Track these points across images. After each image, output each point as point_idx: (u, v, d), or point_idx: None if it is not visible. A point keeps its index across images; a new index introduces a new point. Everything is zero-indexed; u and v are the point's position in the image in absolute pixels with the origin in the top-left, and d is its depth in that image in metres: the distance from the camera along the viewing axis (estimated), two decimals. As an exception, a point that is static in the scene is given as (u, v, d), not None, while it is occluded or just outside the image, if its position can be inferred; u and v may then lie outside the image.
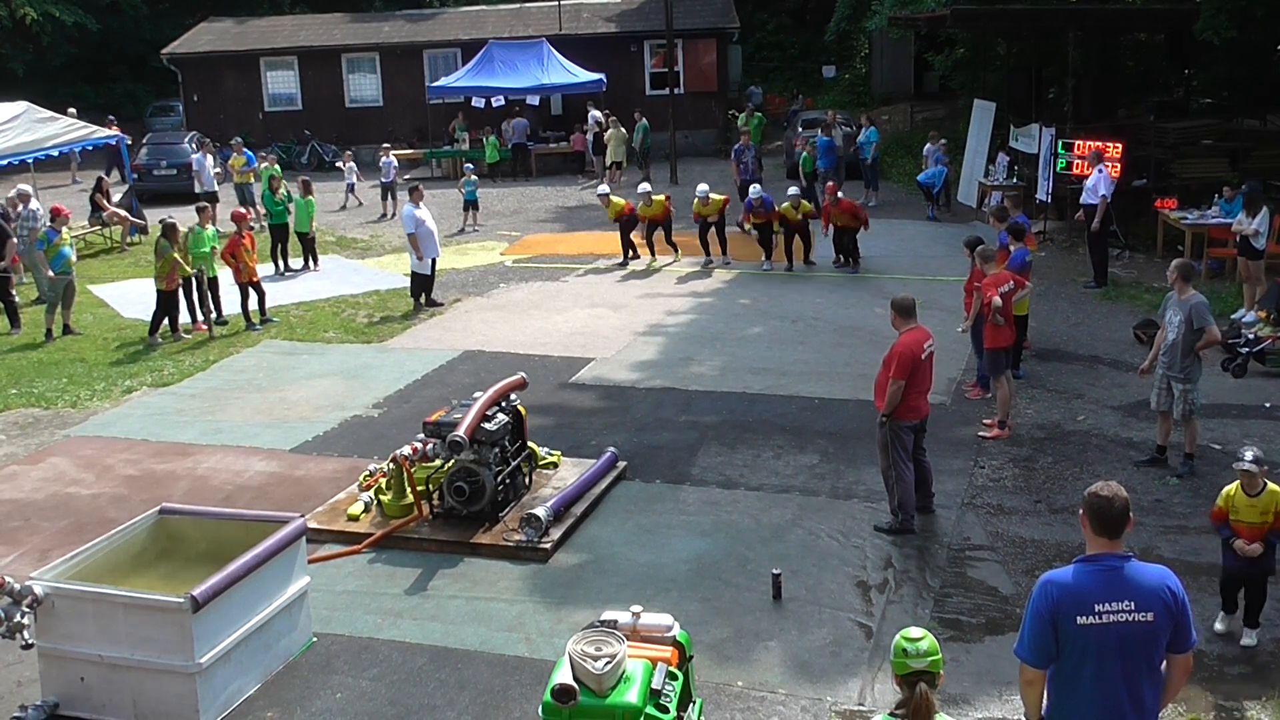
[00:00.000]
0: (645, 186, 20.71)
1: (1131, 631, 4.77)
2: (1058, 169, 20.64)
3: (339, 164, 27.68)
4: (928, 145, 24.61)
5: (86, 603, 7.14)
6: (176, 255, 16.24)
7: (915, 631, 4.94)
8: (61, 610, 7.14)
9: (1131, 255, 19.44)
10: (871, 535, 9.51)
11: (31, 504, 10.83)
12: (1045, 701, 5.02)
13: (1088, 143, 19.63)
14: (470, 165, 26.68)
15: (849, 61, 43.65)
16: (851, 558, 9.15)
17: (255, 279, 17.07)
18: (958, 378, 13.45)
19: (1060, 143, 20.59)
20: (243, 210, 18.67)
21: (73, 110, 26.93)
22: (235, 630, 7.31)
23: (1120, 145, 19.38)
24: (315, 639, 8.06)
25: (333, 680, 7.65)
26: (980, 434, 11.68)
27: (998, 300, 11.43)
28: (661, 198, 20.56)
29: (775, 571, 8.59)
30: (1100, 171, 17.72)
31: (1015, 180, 22.87)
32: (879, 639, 7.85)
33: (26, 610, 7.00)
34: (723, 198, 20.45)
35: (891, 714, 4.86)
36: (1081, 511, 4.93)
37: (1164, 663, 4.92)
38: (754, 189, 20.15)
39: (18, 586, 6.99)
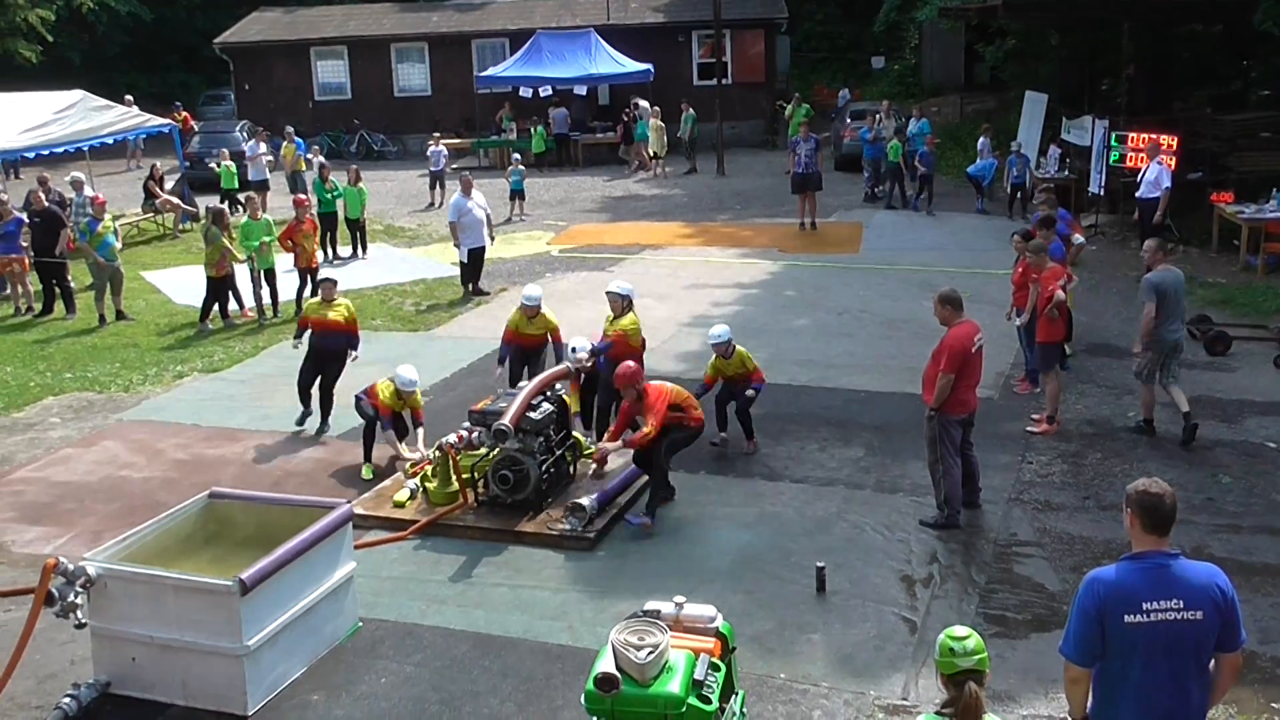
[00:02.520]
0: (532, 291, 12.64)
1: (1180, 630, 4.71)
2: (1111, 162, 20.38)
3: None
4: (981, 138, 24.32)
5: (138, 584, 7.24)
6: (226, 242, 16.42)
7: (961, 630, 4.89)
8: (113, 591, 7.25)
9: (1185, 250, 19.15)
10: (917, 530, 9.45)
11: (85, 486, 11.00)
12: (1090, 700, 4.97)
13: (1142, 135, 19.36)
14: (517, 155, 26.76)
15: (898, 52, 43.31)
16: (896, 552, 9.10)
17: (314, 264, 17.21)
18: (1006, 372, 13.32)
19: (1114, 135, 20.32)
20: (303, 196, 18.83)
21: (129, 98, 27.28)
22: (282, 614, 7.39)
23: (1175, 138, 19.09)
24: (361, 624, 8.13)
25: (377, 665, 7.71)
26: (1028, 429, 11.57)
27: (1060, 294, 11.31)
28: (550, 315, 12.65)
29: (819, 564, 8.55)
30: (1159, 164, 17.47)
31: (1066, 173, 22.61)
32: (923, 634, 7.81)
33: (80, 590, 7.11)
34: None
35: (938, 713, 4.81)
36: (1128, 509, 4.85)
37: (1212, 662, 4.85)
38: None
39: (71, 567, 7.10)
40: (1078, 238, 14.45)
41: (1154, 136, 18.87)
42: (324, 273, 11.84)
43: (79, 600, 7.11)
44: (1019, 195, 22.47)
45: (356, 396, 11.17)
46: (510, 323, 12.23)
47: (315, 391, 12.27)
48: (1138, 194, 18.00)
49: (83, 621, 7.18)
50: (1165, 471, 10.02)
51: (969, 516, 9.60)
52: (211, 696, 7.19)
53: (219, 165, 25.21)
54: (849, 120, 30.10)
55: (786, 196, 24.12)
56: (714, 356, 11.31)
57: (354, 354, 12.30)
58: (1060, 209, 14.97)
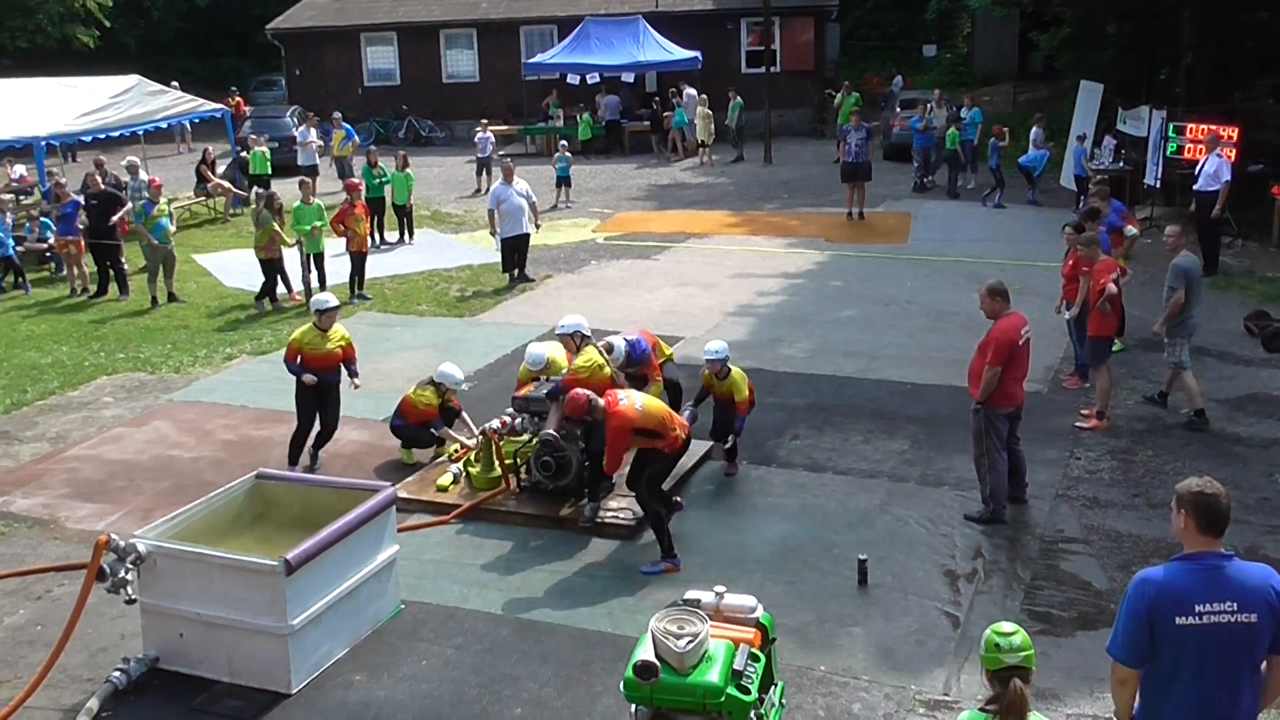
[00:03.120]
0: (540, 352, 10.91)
1: (1233, 633, 4.63)
2: (1168, 153, 20.08)
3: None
4: (1034, 129, 24.02)
5: (186, 562, 7.34)
6: (276, 226, 16.57)
7: (1007, 626, 4.84)
8: (162, 568, 7.35)
9: (1244, 244, 18.84)
10: (961, 524, 9.38)
11: (136, 465, 11.15)
12: (1137, 701, 4.91)
13: (1201, 126, 19.04)
14: (564, 142, 26.78)
15: (950, 40, 42.94)
16: (940, 546, 9.04)
17: (365, 249, 17.34)
18: (1055, 366, 13.18)
19: (1171, 126, 20.01)
20: (356, 180, 18.93)
21: (175, 83, 27.59)
22: (326, 594, 7.46)
23: (1236, 129, 18.75)
24: (403, 606, 8.19)
25: (419, 647, 7.77)
26: (1077, 424, 11.45)
27: (1112, 288, 11.18)
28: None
29: (861, 557, 8.51)
30: (1219, 156, 17.19)
31: (1121, 164, 22.31)
32: (966, 629, 7.75)
33: (130, 567, 7.22)
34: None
35: (982, 709, 4.77)
36: (1180, 509, 4.76)
37: (1264, 664, 4.77)
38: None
39: (122, 544, 7.21)
40: (1131, 230, 14.27)
41: (1214, 128, 18.53)
42: (321, 296, 11.14)
43: (129, 577, 7.22)
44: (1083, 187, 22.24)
45: (392, 425, 11.05)
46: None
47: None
48: (1196, 186, 17.70)
49: (133, 597, 7.30)
50: (1219, 470, 9.87)
51: (1015, 512, 9.51)
52: (256, 674, 7.28)
53: (252, 150, 25.38)
54: (899, 109, 29.86)
55: (834, 185, 23.98)
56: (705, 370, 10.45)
57: (355, 382, 11.09)
58: (1114, 201, 14.80)
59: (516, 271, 18.11)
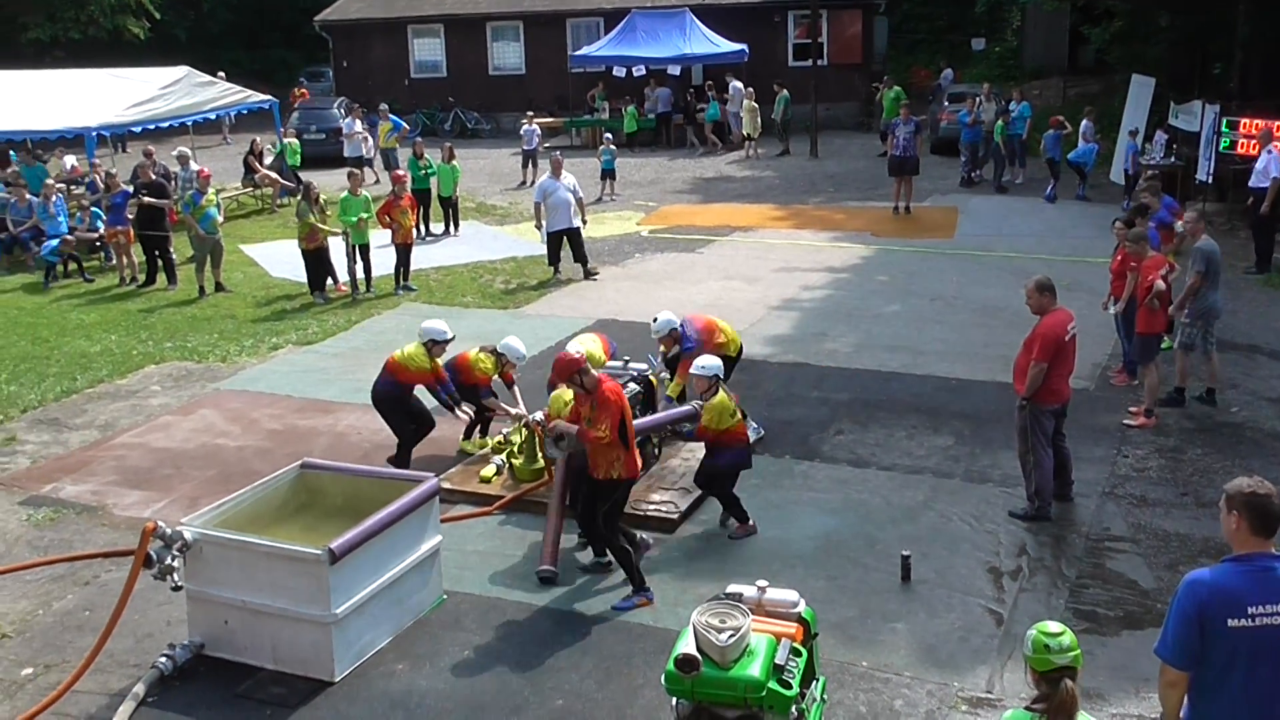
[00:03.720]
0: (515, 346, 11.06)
1: (1287, 635, 4.55)
2: (1221, 148, 19.77)
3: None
4: (1084, 121, 23.73)
5: (231, 550, 7.41)
6: (314, 218, 16.68)
7: (1054, 626, 4.78)
8: (208, 556, 7.42)
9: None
10: (1006, 521, 9.29)
11: (182, 453, 11.27)
12: (1185, 703, 4.83)
13: (1255, 121, 18.73)
14: (609, 134, 26.77)
15: (999, 34, 42.50)
16: (984, 543, 8.96)
17: (410, 241, 17.42)
18: (1103, 362, 13.03)
19: (1225, 121, 19.70)
20: (401, 172, 19.05)
21: (222, 74, 27.83)
22: (369, 584, 7.51)
23: (1290, 124, 18.42)
24: (445, 596, 8.22)
25: (461, 637, 7.80)
26: (1125, 422, 11.31)
27: (1160, 284, 11.04)
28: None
29: (905, 553, 8.46)
30: (1270, 153, 16.91)
31: (1173, 160, 22.00)
32: (1010, 627, 7.68)
33: (176, 554, 7.29)
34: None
35: (1029, 709, 4.71)
36: (1231, 510, 4.69)
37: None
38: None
39: (169, 531, 7.28)
40: (1182, 225, 14.05)
41: (1268, 123, 18.22)
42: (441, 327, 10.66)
43: (176, 564, 7.29)
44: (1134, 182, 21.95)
45: (439, 394, 10.60)
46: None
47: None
48: (1250, 183, 17.42)
49: (179, 584, 7.37)
50: (1269, 470, 9.70)
51: (1060, 509, 9.42)
52: (299, 662, 7.33)
53: (282, 142, 25.55)
54: (947, 103, 29.64)
55: (880, 179, 23.83)
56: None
57: (463, 411, 10.67)
58: (1165, 196, 14.60)
59: (581, 267, 17.91)
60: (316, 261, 16.99)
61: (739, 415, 9.32)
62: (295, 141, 25.63)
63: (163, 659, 7.35)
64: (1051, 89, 34.97)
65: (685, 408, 9.70)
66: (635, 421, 8.92)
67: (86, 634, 7.81)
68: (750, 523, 9.23)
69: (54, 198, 19.54)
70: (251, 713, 7.02)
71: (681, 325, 10.89)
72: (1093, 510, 9.49)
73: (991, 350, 13.44)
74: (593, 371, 8.15)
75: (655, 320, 11.03)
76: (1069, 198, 23.00)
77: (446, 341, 10.54)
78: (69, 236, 19.21)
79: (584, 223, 18.20)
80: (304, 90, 35.19)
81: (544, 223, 17.77)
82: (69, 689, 7.09)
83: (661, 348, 11.15)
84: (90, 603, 8.37)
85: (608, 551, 8.53)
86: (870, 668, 7.32)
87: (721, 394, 9.22)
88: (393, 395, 10.45)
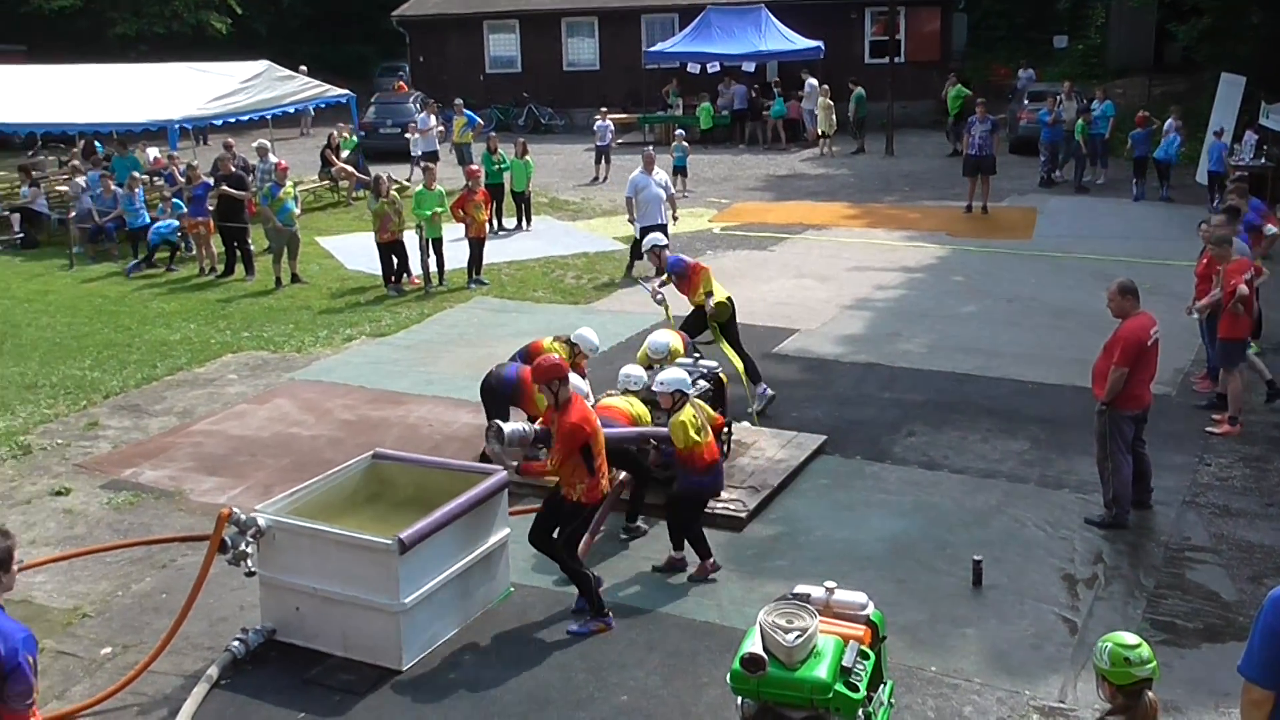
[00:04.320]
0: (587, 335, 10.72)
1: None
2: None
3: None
4: (1169, 120, 23.23)
5: (303, 538, 7.49)
6: (386, 209, 16.82)
7: (1130, 638, 4.67)
8: (281, 543, 7.51)
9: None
10: (1081, 528, 9.12)
11: (257, 441, 11.44)
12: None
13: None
14: (681, 131, 26.71)
15: (1082, 31, 41.76)
16: (1058, 549, 8.80)
17: (483, 235, 17.52)
18: (1185, 368, 12.74)
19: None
20: (475, 167, 19.16)
21: (304, 68, 28.22)
22: (438, 574, 7.55)
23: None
24: (513, 589, 8.25)
25: (527, 630, 7.82)
26: (1208, 429, 11.04)
27: (1244, 288, 10.77)
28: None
29: (976, 558, 8.33)
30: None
31: (1263, 161, 21.46)
32: (1084, 635, 7.53)
33: (250, 540, 7.40)
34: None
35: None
36: None
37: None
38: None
39: (243, 517, 7.38)
40: (1270, 228, 13.74)
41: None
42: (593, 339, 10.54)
43: (249, 550, 7.40)
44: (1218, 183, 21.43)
45: (504, 377, 10.23)
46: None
47: None
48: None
49: (252, 570, 7.47)
50: (1355, 480, 9.45)
51: (1138, 517, 9.22)
52: (368, 650, 7.40)
53: (339, 135, 25.76)
54: (1026, 102, 29.21)
55: (957, 179, 23.53)
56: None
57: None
58: (1253, 199, 14.25)
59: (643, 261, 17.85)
60: (391, 254, 17.16)
61: (708, 433, 8.44)
62: (350, 136, 25.81)
63: (235, 643, 7.46)
64: (1136, 87, 34.28)
65: (662, 428, 8.91)
66: (614, 432, 8.68)
67: (163, 616, 7.95)
68: (712, 560, 8.48)
69: (138, 189, 19.93)
70: (320, 698, 7.10)
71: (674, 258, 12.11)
72: (1172, 519, 9.28)
73: (1069, 353, 13.21)
74: (569, 387, 7.68)
75: (643, 241, 12.18)
76: (1153, 199, 22.55)
77: (592, 352, 10.49)
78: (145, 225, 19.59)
79: (674, 219, 18.11)
80: (402, 83, 35.28)
81: (635, 218, 17.65)
82: (146, 669, 7.22)
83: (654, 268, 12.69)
84: (167, 585, 8.52)
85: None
86: (939, 673, 7.22)
87: (687, 410, 8.37)
88: (514, 388, 10.06)
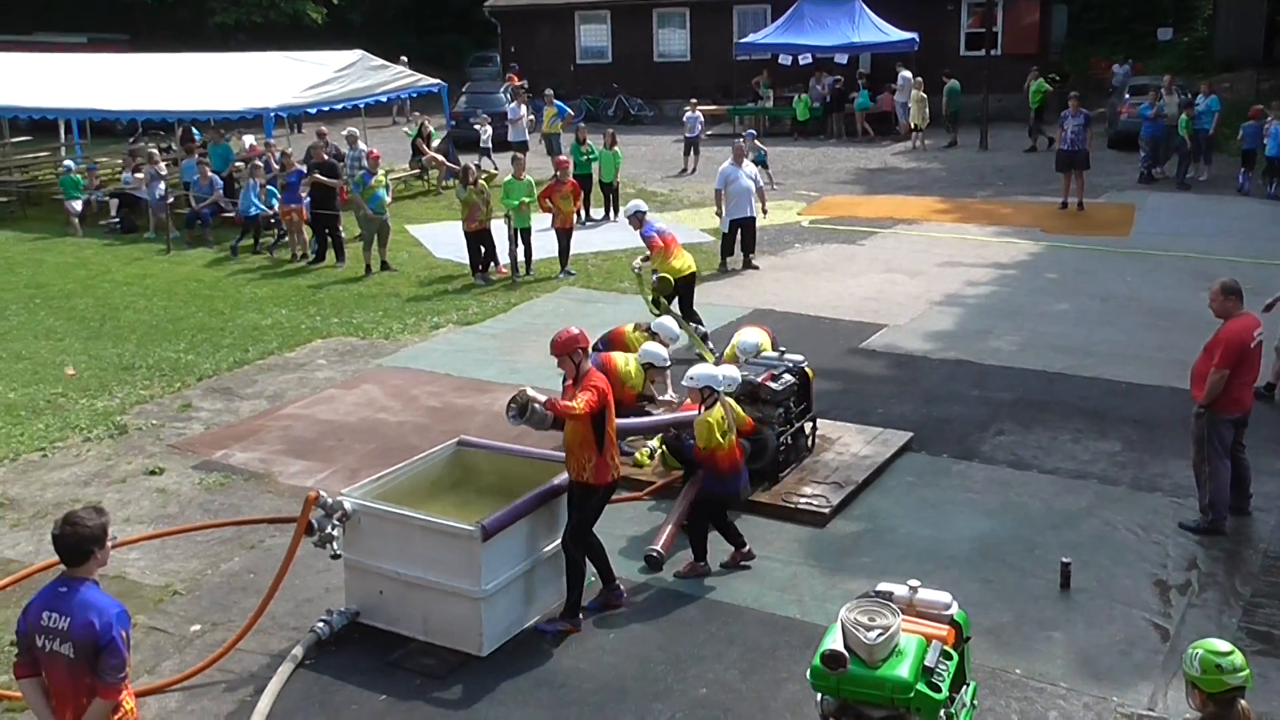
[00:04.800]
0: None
1: None
2: None
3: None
4: (1271, 118, 22.52)
5: (388, 522, 7.57)
6: (474, 198, 16.93)
7: (1222, 645, 4.55)
8: (366, 527, 7.60)
9: None
10: (1175, 532, 8.88)
11: (345, 426, 11.60)
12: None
13: None
14: (751, 131, 26.36)
15: (1189, 23, 40.67)
16: (1151, 554, 8.58)
17: (569, 226, 17.55)
18: (1287, 371, 12.35)
19: None
20: (565, 158, 19.26)
21: (404, 59, 28.51)
22: (519, 562, 7.59)
23: None
24: (593, 579, 8.25)
25: (607, 620, 7.83)
26: (1309, 434, 10.70)
27: None
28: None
29: (1065, 560, 8.16)
30: None
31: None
32: (1176, 643, 7.33)
33: (336, 524, 7.48)
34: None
35: None
36: None
37: None
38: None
39: (330, 501, 7.48)
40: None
41: None
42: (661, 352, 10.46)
43: (335, 533, 7.48)
44: None
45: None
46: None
47: None
48: None
49: (338, 553, 7.56)
50: None
51: (1236, 523, 8.95)
52: (449, 635, 7.46)
53: (409, 127, 25.90)
54: (1128, 96, 28.53)
55: (1051, 174, 23.05)
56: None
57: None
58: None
59: (743, 258, 17.80)
60: (478, 243, 17.29)
61: (734, 436, 8.32)
62: (423, 125, 26.01)
63: (320, 624, 7.57)
64: (1244, 82, 33.27)
65: (690, 414, 8.93)
66: (635, 421, 8.88)
67: (250, 595, 8.10)
68: (703, 564, 8.39)
69: (251, 180, 20.20)
70: (402, 681, 7.18)
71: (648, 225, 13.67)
72: (1272, 526, 8.99)
73: (1166, 354, 12.89)
74: (589, 361, 7.76)
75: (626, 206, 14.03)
76: (1259, 195, 21.90)
77: (665, 368, 10.37)
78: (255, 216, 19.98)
79: (764, 212, 18.02)
80: (514, 75, 35.40)
81: (724, 210, 17.58)
82: (233, 647, 7.36)
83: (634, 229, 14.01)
84: (254, 566, 8.68)
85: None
86: (1024, 676, 7.09)
87: (717, 409, 8.20)
88: None
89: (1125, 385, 12.17)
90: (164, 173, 21.67)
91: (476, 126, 26.81)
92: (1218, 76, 33.38)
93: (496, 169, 24.04)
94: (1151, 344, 13.48)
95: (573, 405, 7.32)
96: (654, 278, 13.28)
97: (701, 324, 13.42)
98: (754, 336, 10.45)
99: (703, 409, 8.30)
